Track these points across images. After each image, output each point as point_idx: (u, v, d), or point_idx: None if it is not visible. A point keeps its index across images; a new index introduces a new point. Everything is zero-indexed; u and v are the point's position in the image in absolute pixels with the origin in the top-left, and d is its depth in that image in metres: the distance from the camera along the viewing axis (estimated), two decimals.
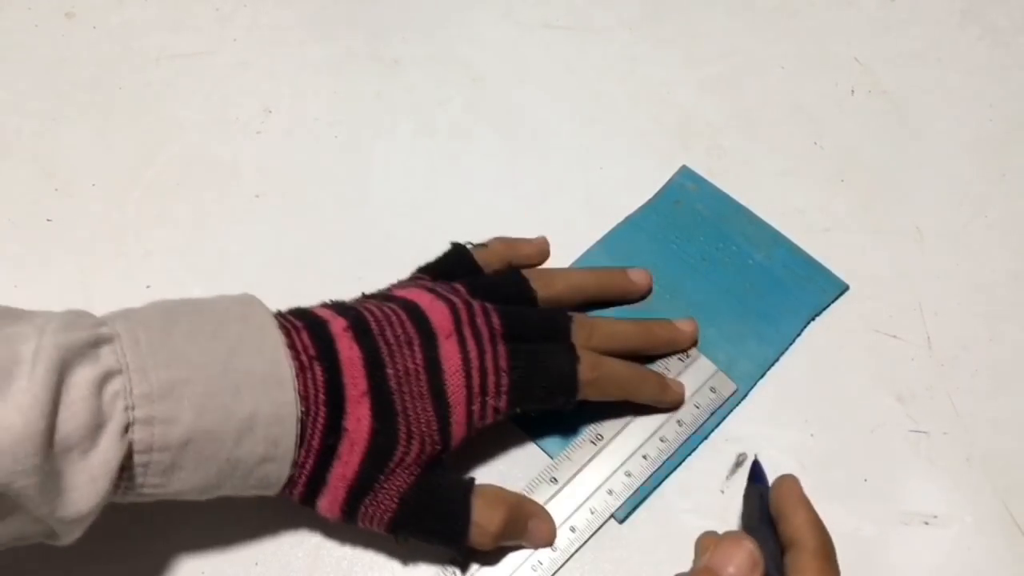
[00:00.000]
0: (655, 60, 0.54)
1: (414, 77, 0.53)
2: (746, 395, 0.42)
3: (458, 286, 0.39)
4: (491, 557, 0.37)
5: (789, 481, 0.37)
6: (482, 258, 0.43)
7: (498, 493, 0.37)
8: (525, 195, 0.49)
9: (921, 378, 0.44)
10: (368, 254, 0.46)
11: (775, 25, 0.55)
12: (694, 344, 0.43)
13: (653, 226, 0.47)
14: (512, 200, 0.48)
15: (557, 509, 0.39)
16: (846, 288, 0.45)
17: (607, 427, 0.41)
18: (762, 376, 0.43)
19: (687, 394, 0.41)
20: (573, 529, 0.39)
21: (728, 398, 0.42)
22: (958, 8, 0.56)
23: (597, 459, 0.40)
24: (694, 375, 0.42)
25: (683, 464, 0.41)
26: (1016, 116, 0.52)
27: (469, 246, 0.43)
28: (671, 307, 0.44)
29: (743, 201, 0.48)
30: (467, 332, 0.37)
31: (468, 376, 0.36)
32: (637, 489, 0.39)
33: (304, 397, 0.33)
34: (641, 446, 0.40)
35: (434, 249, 0.46)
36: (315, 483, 0.35)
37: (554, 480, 0.39)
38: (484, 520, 0.36)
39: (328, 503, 0.35)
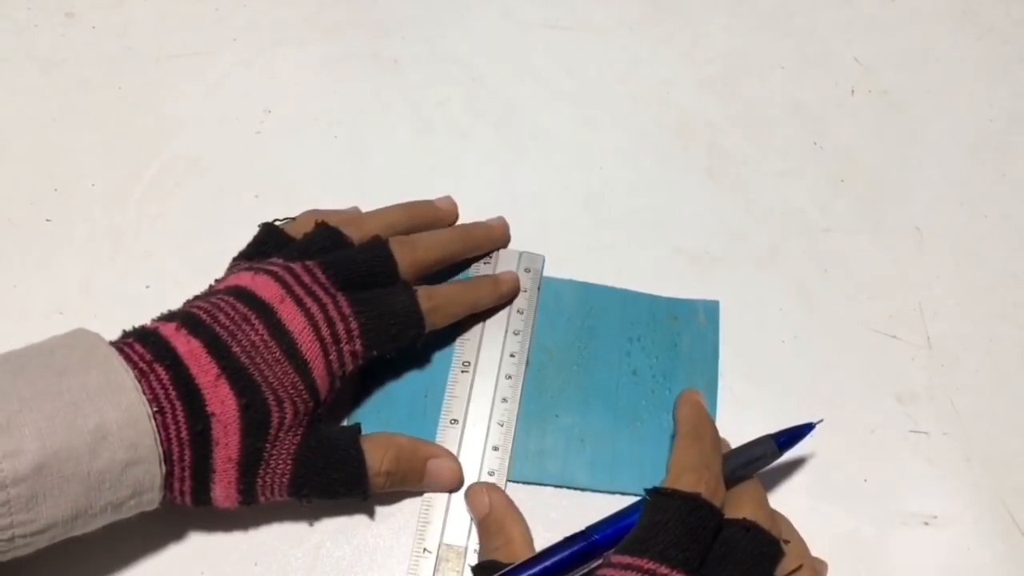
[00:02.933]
0: (655, 60, 0.54)
1: (414, 77, 0.53)
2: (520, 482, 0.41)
3: (274, 258, 0.40)
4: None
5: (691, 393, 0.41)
6: (293, 231, 0.42)
7: (387, 435, 0.39)
8: (525, 195, 0.49)
9: (921, 378, 0.44)
10: None
11: (775, 25, 0.55)
12: (507, 240, 0.45)
13: (632, 314, 0.44)
14: (512, 200, 0.48)
15: (470, 445, 0.40)
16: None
17: (468, 349, 0.43)
18: (556, 486, 0.40)
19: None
20: (496, 448, 0.40)
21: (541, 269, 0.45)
22: (958, 8, 0.56)
23: (475, 387, 0.42)
24: (506, 268, 0.45)
25: None
26: (1016, 116, 0.52)
27: (277, 222, 0.43)
28: (565, 375, 0.43)
29: (742, 199, 0.48)
30: (299, 292, 0.37)
31: (316, 329, 0.37)
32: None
33: (153, 398, 0.33)
34: (502, 359, 0.42)
35: None
36: (201, 474, 0.35)
37: (454, 421, 0.41)
38: (374, 461, 0.37)
39: (223, 489, 0.35)
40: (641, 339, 0.44)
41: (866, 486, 0.41)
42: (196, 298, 0.39)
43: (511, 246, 0.46)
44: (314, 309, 0.37)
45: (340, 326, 0.37)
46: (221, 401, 0.34)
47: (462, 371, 0.42)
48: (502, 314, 0.44)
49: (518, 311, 0.44)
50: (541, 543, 0.37)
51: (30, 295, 0.45)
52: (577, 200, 0.49)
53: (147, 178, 0.48)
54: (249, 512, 0.39)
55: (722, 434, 0.42)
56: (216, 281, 0.40)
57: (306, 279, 0.38)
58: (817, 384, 0.43)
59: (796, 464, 0.41)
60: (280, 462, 0.36)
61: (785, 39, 0.55)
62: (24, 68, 0.52)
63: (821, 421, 0.38)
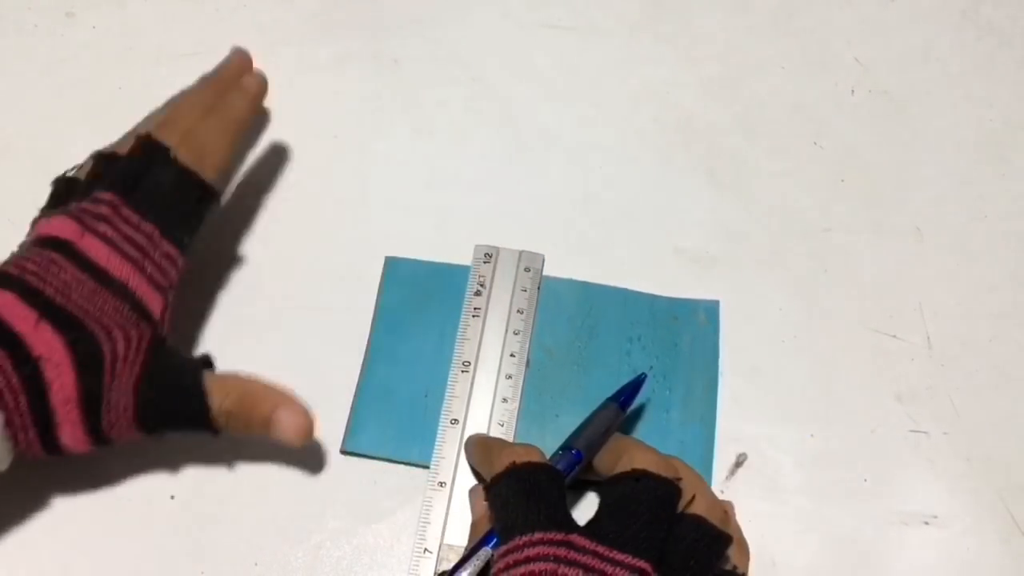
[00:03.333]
0: (655, 60, 0.54)
1: (414, 77, 0.53)
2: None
3: (69, 204, 0.39)
4: None
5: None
6: (80, 174, 0.41)
7: (237, 376, 0.38)
8: (525, 195, 0.49)
9: (921, 378, 0.44)
10: (368, 253, 0.46)
11: (775, 25, 0.55)
12: (249, 59, 0.45)
13: (633, 313, 0.44)
14: (512, 200, 0.48)
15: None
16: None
17: (468, 349, 0.43)
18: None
19: (507, 300, 0.44)
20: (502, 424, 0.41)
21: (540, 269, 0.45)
22: (958, 8, 0.56)
23: (475, 387, 0.42)
24: (504, 273, 0.45)
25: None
26: (1016, 116, 0.52)
27: (68, 174, 0.42)
28: (565, 375, 0.43)
29: (742, 199, 0.48)
30: (90, 221, 0.37)
31: (121, 251, 0.37)
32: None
33: None
34: (502, 359, 0.43)
35: (433, 249, 0.46)
36: (42, 420, 0.34)
37: (455, 421, 0.41)
38: (217, 399, 0.36)
39: (69, 432, 0.35)
40: (641, 339, 0.44)
41: (866, 486, 0.41)
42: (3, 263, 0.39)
43: (511, 245, 0.46)
44: (110, 232, 0.37)
45: (140, 237, 0.37)
46: (47, 344, 0.34)
47: (462, 371, 0.42)
48: (502, 314, 0.44)
49: (518, 311, 0.44)
50: None
51: None
52: (577, 200, 0.49)
53: None
54: (249, 512, 0.39)
55: (722, 434, 0.42)
56: (30, 230, 0.40)
57: (97, 208, 0.38)
58: (817, 384, 0.43)
59: (796, 464, 0.41)
60: (121, 396, 0.35)
61: (785, 39, 0.55)
62: (24, 68, 0.52)
63: (645, 375, 0.39)
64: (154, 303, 0.37)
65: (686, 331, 0.44)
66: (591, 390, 0.42)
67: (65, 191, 0.41)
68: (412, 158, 0.50)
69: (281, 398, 0.37)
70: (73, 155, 0.49)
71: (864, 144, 0.51)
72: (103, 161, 0.40)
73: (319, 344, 0.44)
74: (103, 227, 0.37)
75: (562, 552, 0.31)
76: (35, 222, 0.40)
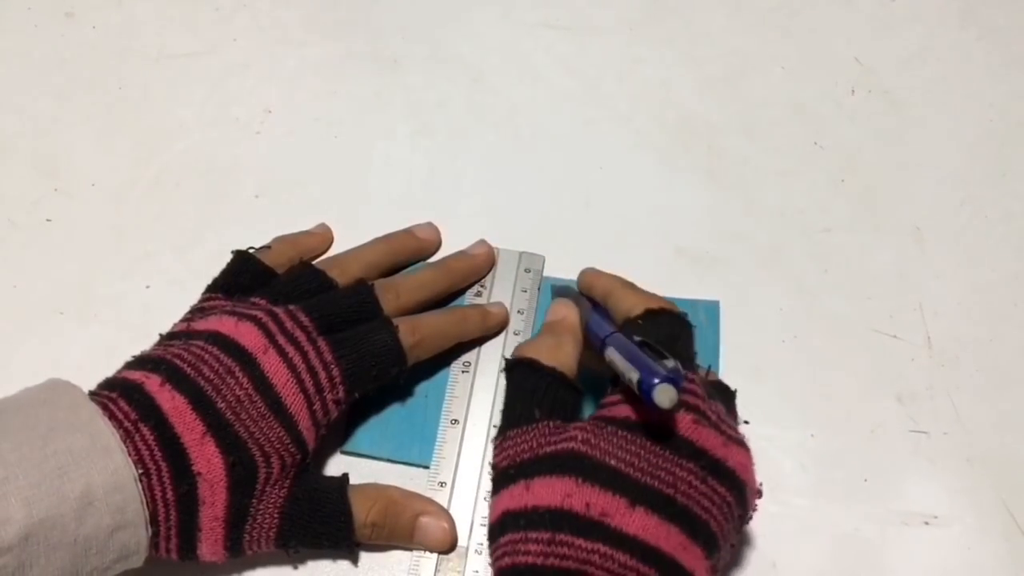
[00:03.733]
0: (655, 60, 0.54)
1: (414, 77, 0.53)
2: None
3: (256, 299, 0.39)
4: None
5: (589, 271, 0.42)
6: (269, 260, 0.42)
7: (378, 487, 0.38)
8: (525, 195, 0.49)
9: (921, 378, 0.44)
10: None
11: (775, 25, 0.55)
12: (491, 265, 0.45)
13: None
14: (512, 200, 0.48)
15: (470, 444, 0.40)
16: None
17: (469, 352, 0.43)
18: None
19: (507, 301, 0.44)
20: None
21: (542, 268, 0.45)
22: (958, 8, 0.56)
23: (475, 387, 0.42)
24: (504, 274, 0.45)
25: None
26: (1016, 116, 0.52)
27: (251, 251, 0.43)
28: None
29: (742, 199, 0.48)
30: (282, 341, 0.37)
31: (300, 381, 0.36)
32: None
33: (139, 459, 0.33)
34: (503, 360, 0.42)
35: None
36: (187, 533, 0.34)
37: (455, 421, 0.41)
38: (361, 513, 0.37)
39: (209, 545, 0.35)
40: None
41: (866, 486, 0.41)
42: (174, 337, 0.38)
43: (511, 246, 0.46)
44: (296, 359, 0.36)
45: (323, 375, 0.37)
46: (207, 460, 0.34)
47: (462, 371, 0.42)
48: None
49: (518, 311, 0.44)
50: None
51: (30, 295, 0.45)
52: (577, 200, 0.49)
53: (147, 178, 0.48)
54: None
55: None
56: (192, 314, 0.40)
57: (288, 325, 0.37)
58: (817, 384, 0.43)
59: (796, 464, 0.41)
60: (267, 516, 0.36)
61: (785, 39, 0.55)
62: (24, 68, 0.52)
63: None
64: (311, 438, 0.37)
65: None
66: (590, 391, 0.42)
67: (244, 269, 0.41)
68: (412, 158, 0.50)
69: (422, 505, 0.38)
70: (73, 155, 0.49)
71: (864, 144, 0.51)
72: (310, 275, 0.40)
73: None
74: (291, 351, 0.36)
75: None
76: (210, 300, 0.40)
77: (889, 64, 0.54)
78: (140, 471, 0.32)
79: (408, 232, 0.45)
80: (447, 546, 0.38)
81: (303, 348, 0.37)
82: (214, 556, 0.35)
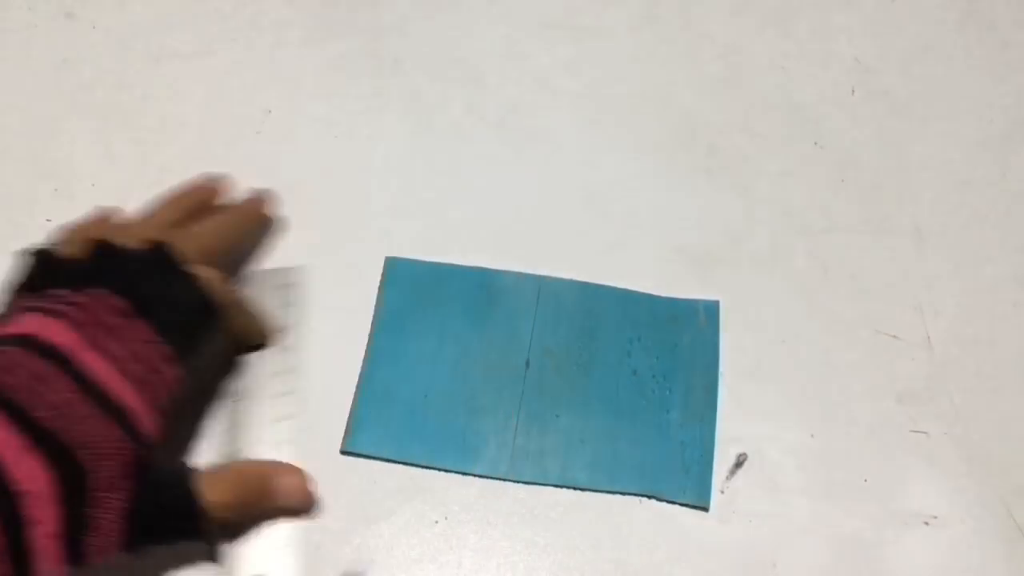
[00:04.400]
0: (655, 60, 0.54)
1: (414, 77, 0.53)
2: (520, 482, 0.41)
3: (60, 291, 0.35)
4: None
5: None
6: (68, 252, 0.38)
7: (223, 466, 0.37)
8: (525, 195, 0.49)
9: (921, 378, 0.44)
10: (368, 253, 0.46)
11: (775, 25, 0.55)
12: (270, 204, 0.45)
13: (633, 314, 0.45)
14: (512, 200, 0.48)
15: None
16: (706, 508, 0.40)
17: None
18: (556, 486, 0.40)
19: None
20: None
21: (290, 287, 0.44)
22: (958, 8, 0.56)
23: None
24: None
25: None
26: (1016, 116, 0.52)
27: (47, 246, 0.39)
28: (565, 375, 0.43)
29: (742, 199, 0.48)
30: (97, 333, 0.34)
31: (124, 371, 0.34)
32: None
33: None
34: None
35: (433, 249, 0.46)
36: (20, 556, 0.31)
37: None
38: (215, 498, 0.35)
39: (48, 565, 0.31)
40: (642, 339, 0.44)
41: (866, 486, 0.41)
42: None
43: (512, 245, 0.46)
44: (115, 347, 0.34)
45: (155, 358, 0.35)
46: (30, 474, 0.31)
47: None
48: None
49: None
50: (541, 544, 0.37)
51: None
52: (577, 200, 0.49)
53: (147, 178, 0.48)
54: None
55: (722, 434, 0.42)
56: (5, 315, 0.36)
57: (102, 314, 0.35)
58: (817, 384, 0.43)
59: (796, 464, 0.41)
60: (109, 525, 0.32)
61: (785, 39, 0.55)
62: (24, 68, 0.52)
63: None
64: (151, 428, 0.34)
65: (686, 331, 0.44)
66: (591, 391, 0.42)
67: (44, 265, 0.37)
68: (412, 158, 0.50)
69: (271, 467, 0.37)
70: (73, 155, 0.49)
71: (864, 144, 0.51)
72: (104, 250, 0.37)
73: (319, 344, 0.43)
74: (108, 342, 0.34)
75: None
76: (17, 299, 0.36)
77: (889, 64, 0.54)
78: None
79: (187, 186, 0.44)
80: (310, 504, 0.37)
81: (121, 334, 0.34)
82: (52, 574, 0.32)
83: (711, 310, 0.45)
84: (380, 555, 0.39)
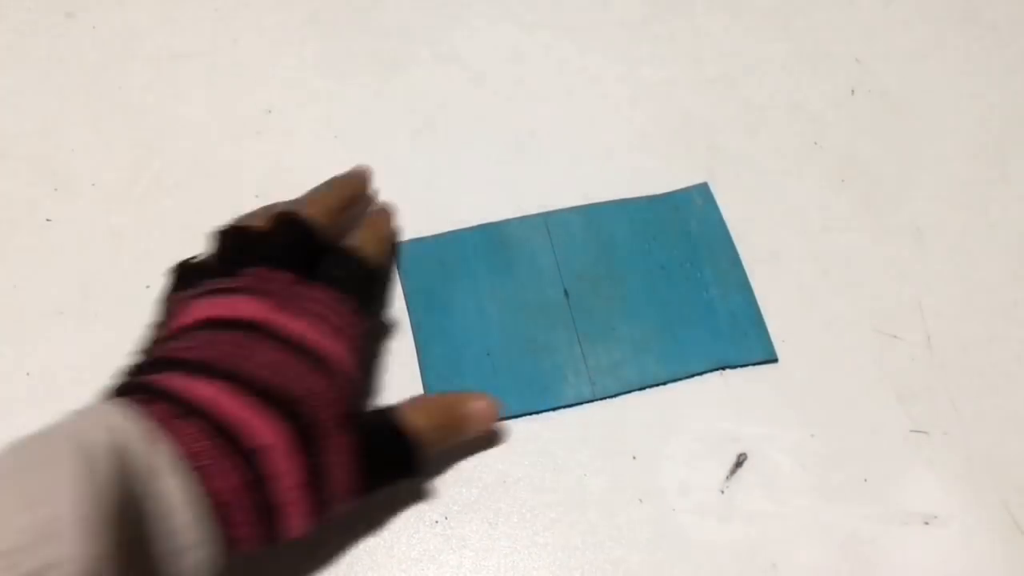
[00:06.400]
0: (655, 60, 0.54)
1: (414, 77, 0.53)
2: (608, 397, 0.42)
3: (215, 281, 0.37)
4: None
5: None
6: (255, 224, 0.40)
7: (416, 402, 0.39)
8: (525, 195, 0.49)
9: (921, 378, 0.44)
10: None
11: (775, 25, 0.55)
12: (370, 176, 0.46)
13: (639, 218, 0.47)
14: (512, 200, 0.48)
15: None
16: (775, 360, 0.44)
17: None
18: (640, 389, 0.42)
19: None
20: None
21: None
22: (958, 8, 0.56)
23: None
24: None
25: (683, 464, 0.41)
26: (1016, 116, 0.52)
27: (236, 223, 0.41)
28: (604, 292, 0.45)
29: (742, 199, 0.48)
30: (279, 299, 0.36)
31: (318, 326, 0.36)
32: None
33: (191, 454, 0.30)
34: None
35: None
36: (268, 514, 0.32)
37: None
38: (420, 430, 0.37)
39: (296, 522, 0.33)
40: (656, 237, 0.46)
41: (866, 486, 0.41)
42: (173, 340, 0.35)
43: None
44: (303, 307, 0.36)
45: (340, 308, 0.37)
46: (265, 432, 0.32)
47: None
48: None
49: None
50: (541, 544, 0.37)
51: (30, 295, 0.45)
52: (577, 200, 0.49)
53: (147, 178, 0.48)
54: None
55: (722, 434, 0.42)
56: (169, 316, 0.37)
57: (273, 284, 0.37)
58: (817, 384, 0.43)
59: (796, 464, 0.41)
60: (343, 470, 0.34)
61: (785, 39, 0.55)
62: (24, 68, 0.52)
63: None
64: (355, 372, 0.36)
65: (691, 216, 0.47)
66: (632, 296, 0.45)
67: (193, 274, 0.39)
68: (412, 158, 0.50)
69: (459, 397, 0.40)
70: (73, 155, 0.49)
71: (864, 144, 0.51)
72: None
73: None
74: (297, 305, 0.36)
75: None
76: (171, 306, 0.37)
77: (889, 64, 0.54)
78: (194, 465, 0.30)
79: (351, 172, 0.46)
80: (496, 419, 0.40)
81: (303, 296, 0.36)
82: (301, 531, 0.33)
83: (703, 191, 0.48)
84: (380, 555, 0.39)
